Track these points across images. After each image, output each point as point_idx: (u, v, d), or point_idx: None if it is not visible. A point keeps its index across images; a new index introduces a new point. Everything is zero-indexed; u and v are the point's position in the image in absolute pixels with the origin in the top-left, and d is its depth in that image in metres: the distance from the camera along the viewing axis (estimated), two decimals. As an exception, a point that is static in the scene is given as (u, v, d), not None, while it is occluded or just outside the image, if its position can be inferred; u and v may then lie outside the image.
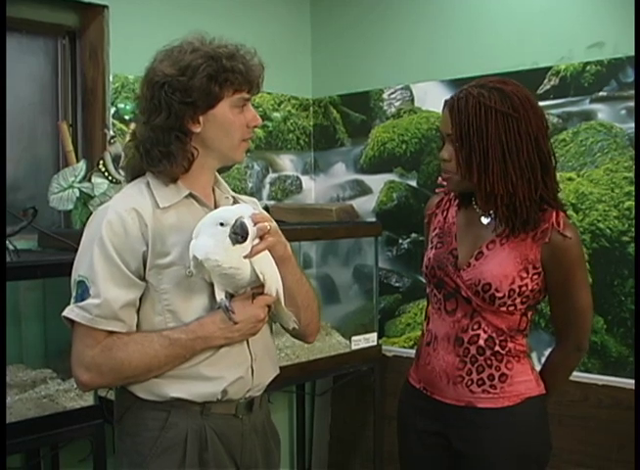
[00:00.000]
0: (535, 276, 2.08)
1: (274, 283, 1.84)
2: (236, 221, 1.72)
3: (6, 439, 1.99)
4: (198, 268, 1.77)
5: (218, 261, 1.73)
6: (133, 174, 1.94)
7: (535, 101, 2.08)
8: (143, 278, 1.81)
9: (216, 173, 1.99)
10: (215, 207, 1.93)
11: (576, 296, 2.11)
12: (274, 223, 1.85)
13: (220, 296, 1.81)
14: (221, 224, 1.73)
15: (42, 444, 2.73)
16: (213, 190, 1.98)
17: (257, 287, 1.83)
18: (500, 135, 1.99)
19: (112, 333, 1.77)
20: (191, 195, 1.88)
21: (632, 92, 3.03)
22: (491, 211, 2.13)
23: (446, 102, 2.09)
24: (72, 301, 1.79)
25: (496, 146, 1.99)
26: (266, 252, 1.80)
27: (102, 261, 1.76)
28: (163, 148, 1.82)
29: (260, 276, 1.79)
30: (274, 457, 2.06)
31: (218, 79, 1.79)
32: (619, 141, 3.08)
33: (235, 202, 1.99)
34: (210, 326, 1.80)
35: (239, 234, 1.72)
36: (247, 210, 1.78)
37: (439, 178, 2.35)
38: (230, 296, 1.83)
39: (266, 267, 1.81)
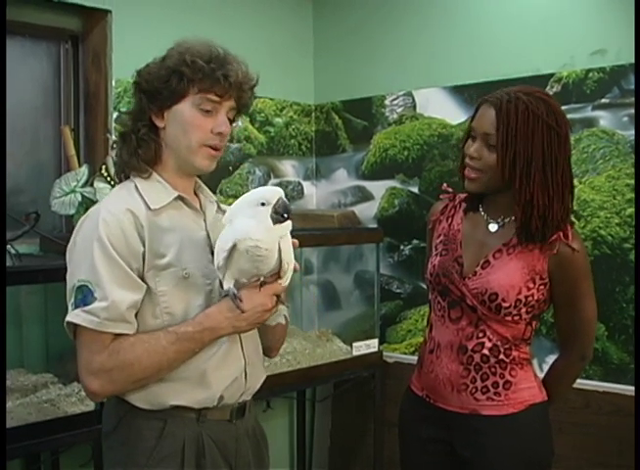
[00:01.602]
0: (542, 286, 2.09)
1: (290, 275, 1.83)
2: (278, 200, 1.70)
3: (6, 443, 1.99)
4: (227, 259, 1.74)
5: (259, 241, 1.70)
6: (120, 177, 1.95)
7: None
8: (143, 279, 1.79)
9: (197, 179, 1.99)
10: (202, 210, 1.93)
11: (582, 306, 2.12)
12: None
13: (229, 284, 1.78)
14: (262, 204, 1.70)
15: (43, 448, 2.72)
16: (197, 194, 1.97)
17: (271, 276, 1.81)
18: (544, 146, 2.00)
19: (117, 336, 1.74)
20: (180, 197, 1.88)
21: (634, 99, 3.03)
22: (499, 219, 2.15)
23: (487, 100, 2.07)
24: (72, 307, 1.74)
25: (539, 156, 2.00)
26: (289, 238, 1.78)
27: (104, 263, 1.73)
28: (128, 137, 1.86)
29: (285, 265, 1.77)
30: (265, 459, 2.06)
31: (180, 73, 1.79)
32: (621, 148, 3.08)
33: (218, 207, 1.99)
34: (217, 316, 1.78)
35: (280, 213, 1.69)
36: (281, 190, 1.74)
37: (444, 184, 2.35)
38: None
39: (290, 257, 1.79)
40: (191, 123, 1.83)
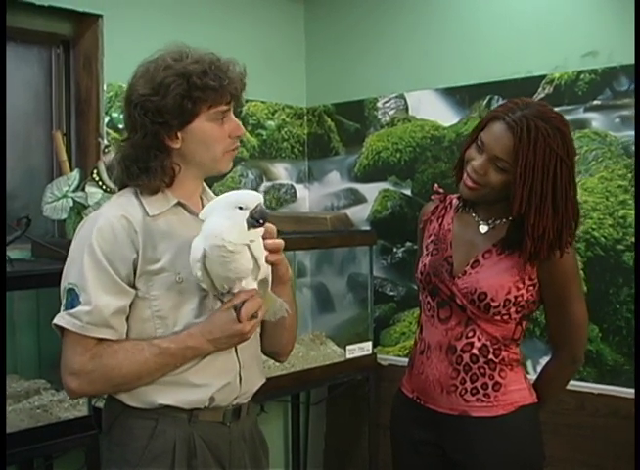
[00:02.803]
0: (531, 287, 2.10)
1: (266, 270, 1.81)
2: (256, 206, 1.69)
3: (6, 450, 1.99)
4: (204, 268, 1.74)
5: (228, 243, 1.69)
6: (122, 187, 1.94)
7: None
8: (133, 285, 1.81)
9: (203, 183, 1.99)
10: None
11: (571, 309, 2.12)
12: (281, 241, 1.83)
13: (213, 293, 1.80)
14: (240, 208, 1.69)
15: (36, 455, 2.72)
16: (201, 198, 1.98)
17: (247, 291, 1.79)
18: (555, 180, 2.00)
19: (101, 340, 1.77)
20: (179, 203, 1.88)
21: (626, 100, 3.04)
22: (490, 221, 2.16)
23: (502, 118, 2.01)
24: (62, 308, 1.79)
25: (551, 190, 2.00)
26: (260, 241, 1.76)
27: (92, 268, 1.76)
28: (142, 164, 1.82)
29: (261, 268, 1.76)
30: (263, 464, 2.05)
31: (191, 97, 1.78)
32: (614, 149, 3.08)
33: None
34: (199, 338, 1.79)
35: (257, 219, 1.69)
36: (261, 196, 1.74)
37: (435, 185, 2.35)
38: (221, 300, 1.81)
39: (263, 261, 1.77)
40: (212, 137, 1.84)
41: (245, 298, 1.76)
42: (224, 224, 1.69)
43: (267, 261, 1.78)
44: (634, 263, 3.03)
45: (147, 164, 1.82)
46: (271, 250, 1.77)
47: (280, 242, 1.79)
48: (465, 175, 2.10)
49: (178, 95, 1.77)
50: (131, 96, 1.82)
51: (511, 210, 2.03)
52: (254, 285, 1.79)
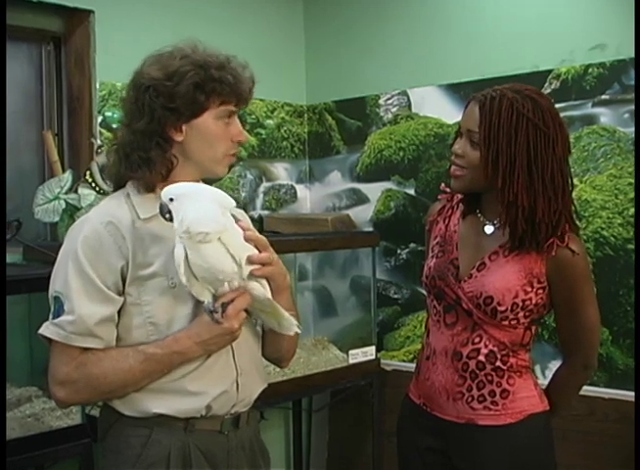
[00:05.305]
0: (540, 290, 2.04)
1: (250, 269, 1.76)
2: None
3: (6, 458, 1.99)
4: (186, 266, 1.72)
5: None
6: (116, 183, 1.92)
7: (564, 122, 2.04)
8: (122, 293, 1.79)
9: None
10: None
11: (583, 312, 2.06)
12: (275, 255, 1.81)
13: (207, 298, 1.75)
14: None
15: (27, 465, 2.67)
16: None
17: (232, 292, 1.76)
18: (529, 145, 1.96)
19: (87, 349, 1.76)
20: None
21: (634, 95, 2.98)
22: (495, 221, 2.10)
23: (475, 97, 2.03)
24: (50, 316, 1.78)
25: (523, 156, 1.96)
26: (239, 235, 1.73)
27: (76, 277, 1.74)
28: (143, 153, 1.79)
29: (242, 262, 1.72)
30: None
31: (205, 88, 1.77)
32: (623, 146, 3.03)
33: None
34: (186, 341, 1.76)
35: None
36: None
37: (442, 185, 2.32)
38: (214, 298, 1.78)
39: (241, 252, 1.72)
40: (216, 135, 1.83)
41: (232, 297, 1.74)
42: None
43: (255, 275, 1.75)
44: (635, 266, 2.98)
45: (148, 154, 1.79)
46: (255, 262, 1.75)
47: (266, 256, 1.76)
48: (452, 167, 2.10)
49: (192, 84, 1.75)
50: (140, 80, 1.80)
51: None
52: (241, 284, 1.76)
